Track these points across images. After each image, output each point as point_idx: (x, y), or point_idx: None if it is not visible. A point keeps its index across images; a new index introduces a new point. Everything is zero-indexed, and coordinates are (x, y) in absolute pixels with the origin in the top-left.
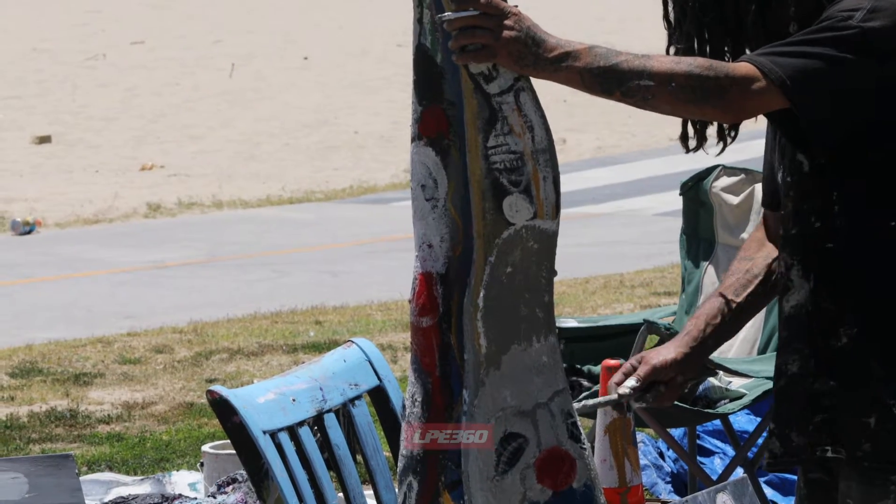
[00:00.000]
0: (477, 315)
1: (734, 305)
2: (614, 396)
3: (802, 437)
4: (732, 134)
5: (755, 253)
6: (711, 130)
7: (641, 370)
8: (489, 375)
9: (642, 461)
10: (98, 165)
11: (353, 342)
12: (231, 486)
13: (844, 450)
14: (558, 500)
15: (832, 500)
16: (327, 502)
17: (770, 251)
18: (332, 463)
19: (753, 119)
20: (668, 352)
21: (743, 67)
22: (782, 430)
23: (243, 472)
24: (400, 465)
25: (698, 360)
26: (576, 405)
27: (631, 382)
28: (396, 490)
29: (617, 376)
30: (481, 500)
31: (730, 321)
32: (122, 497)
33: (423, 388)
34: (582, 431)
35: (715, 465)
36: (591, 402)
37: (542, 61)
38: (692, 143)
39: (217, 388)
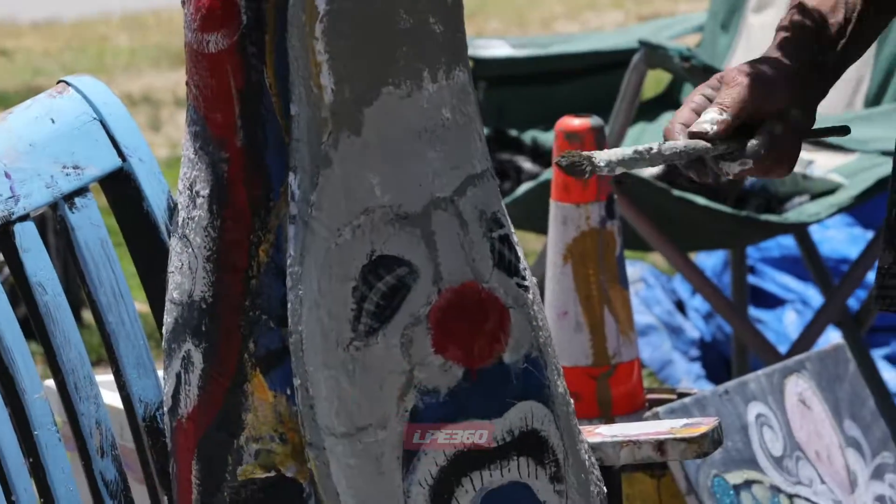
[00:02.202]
0: (315, 27)
1: None
2: (685, 142)
3: None
4: None
5: None
6: None
7: (728, 94)
8: (340, 146)
9: (643, 318)
10: None
11: (68, 84)
12: None
13: None
14: (476, 387)
15: None
16: (22, 394)
17: None
18: (34, 321)
19: None
20: (771, 65)
21: None
22: None
23: None
24: (168, 321)
25: (825, 76)
26: (604, 158)
27: (712, 115)
28: (161, 372)
29: (682, 113)
30: (327, 386)
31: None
32: None
33: (211, 170)
34: (521, 253)
35: (785, 325)
36: (623, 153)
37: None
38: None
39: None
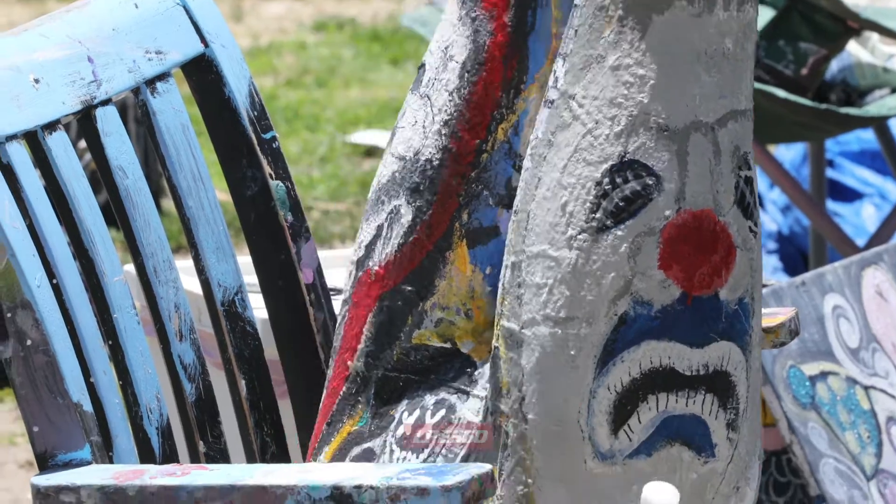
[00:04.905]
0: None
1: None
2: None
3: None
4: None
5: None
6: None
7: None
8: (620, 45)
9: None
10: None
11: None
12: None
13: None
14: (687, 312)
15: None
16: (101, 275)
17: None
18: (115, 205)
19: None
20: None
21: None
22: None
23: None
24: (383, 173)
25: None
26: None
27: None
28: (241, 258)
29: None
30: (543, 270)
31: None
32: None
33: (472, 39)
34: (756, 202)
35: (863, 218)
36: None
37: None
38: None
39: None
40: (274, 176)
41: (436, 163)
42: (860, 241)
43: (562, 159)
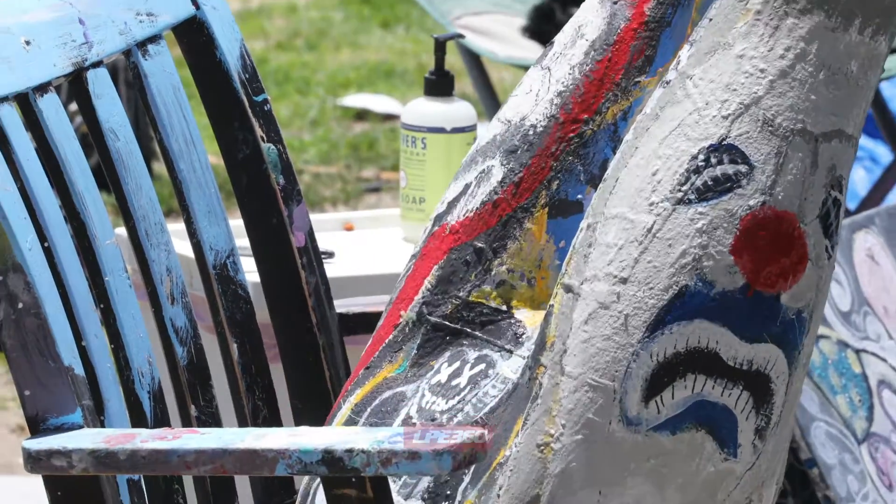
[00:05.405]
0: None
1: None
2: None
3: None
4: None
5: None
6: None
7: None
8: (748, 37)
9: None
10: None
11: None
12: None
13: None
14: (745, 303)
15: None
16: (93, 238)
17: None
18: (106, 167)
19: None
20: None
21: None
22: None
23: None
24: (485, 136)
25: None
26: None
27: None
28: (232, 221)
29: None
30: (616, 230)
31: None
32: None
33: (608, 22)
34: (839, 228)
35: (854, 181)
36: None
37: None
38: None
39: None
40: (266, 139)
41: (539, 129)
42: (851, 205)
43: (663, 132)
